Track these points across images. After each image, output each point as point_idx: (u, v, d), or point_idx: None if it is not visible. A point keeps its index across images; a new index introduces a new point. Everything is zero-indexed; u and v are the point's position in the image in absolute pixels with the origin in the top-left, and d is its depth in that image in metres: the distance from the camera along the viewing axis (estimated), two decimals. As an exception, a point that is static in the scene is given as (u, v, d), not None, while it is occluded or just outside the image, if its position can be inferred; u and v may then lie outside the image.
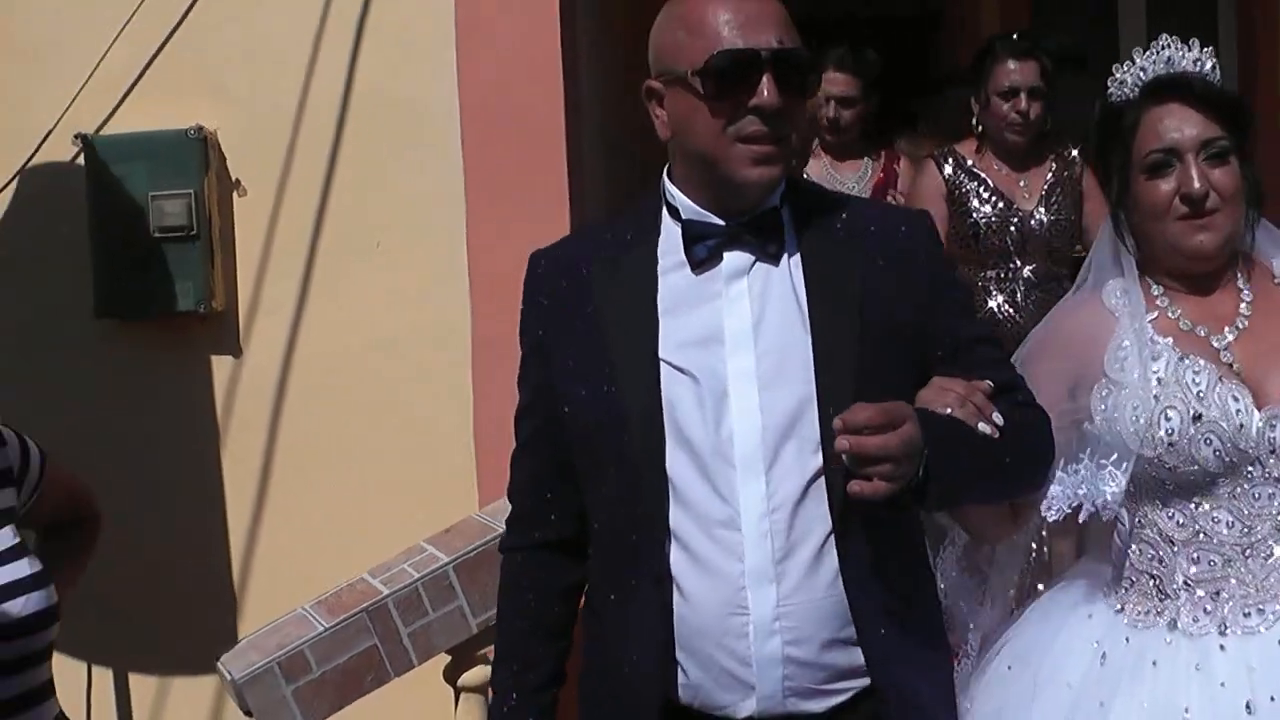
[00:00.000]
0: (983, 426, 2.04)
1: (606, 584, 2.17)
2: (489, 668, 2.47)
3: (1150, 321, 2.40)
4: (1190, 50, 2.43)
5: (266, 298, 3.82)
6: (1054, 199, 4.97)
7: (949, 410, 2.02)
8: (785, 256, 2.10)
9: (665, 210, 2.16)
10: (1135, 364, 2.35)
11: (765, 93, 1.97)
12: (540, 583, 2.28)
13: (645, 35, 2.16)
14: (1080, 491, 2.36)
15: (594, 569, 2.22)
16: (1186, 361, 2.33)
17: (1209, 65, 2.43)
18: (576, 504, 2.21)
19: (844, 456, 1.85)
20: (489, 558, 2.94)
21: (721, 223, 2.10)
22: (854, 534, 2.03)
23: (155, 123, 3.73)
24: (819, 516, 2.03)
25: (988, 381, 2.10)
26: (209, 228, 3.73)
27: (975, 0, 8.64)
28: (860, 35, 5.97)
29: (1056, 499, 2.38)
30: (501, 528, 2.41)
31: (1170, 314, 2.43)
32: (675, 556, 2.05)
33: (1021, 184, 4.98)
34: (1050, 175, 4.98)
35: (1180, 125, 2.37)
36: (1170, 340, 2.38)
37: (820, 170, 5.76)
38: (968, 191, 4.96)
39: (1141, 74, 2.45)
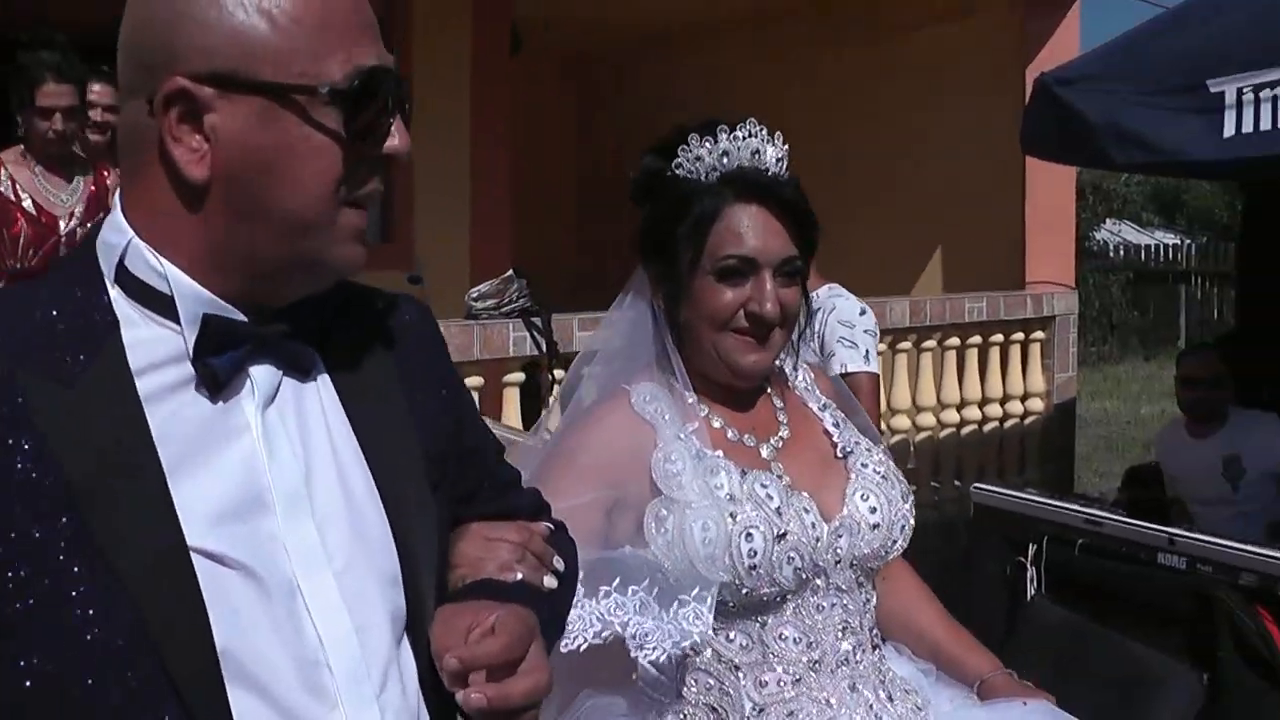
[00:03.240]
0: (547, 581, 1.64)
1: None
2: None
3: (692, 432, 2.20)
4: (775, 146, 2.23)
5: None
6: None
7: (518, 575, 1.58)
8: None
9: (125, 295, 1.36)
10: (692, 480, 2.13)
11: (399, 136, 1.40)
12: None
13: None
14: (667, 632, 2.00)
15: None
16: (750, 475, 2.15)
17: (785, 165, 2.25)
18: None
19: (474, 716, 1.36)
20: None
21: (243, 318, 1.38)
22: None
23: None
24: None
25: (545, 524, 1.73)
26: None
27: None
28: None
29: (651, 637, 1.98)
30: None
31: (714, 423, 2.26)
32: None
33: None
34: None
35: (764, 235, 2.19)
36: (721, 453, 2.19)
37: (31, 182, 5.54)
38: None
39: (723, 159, 2.19)
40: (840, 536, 2.18)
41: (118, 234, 1.37)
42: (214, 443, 1.35)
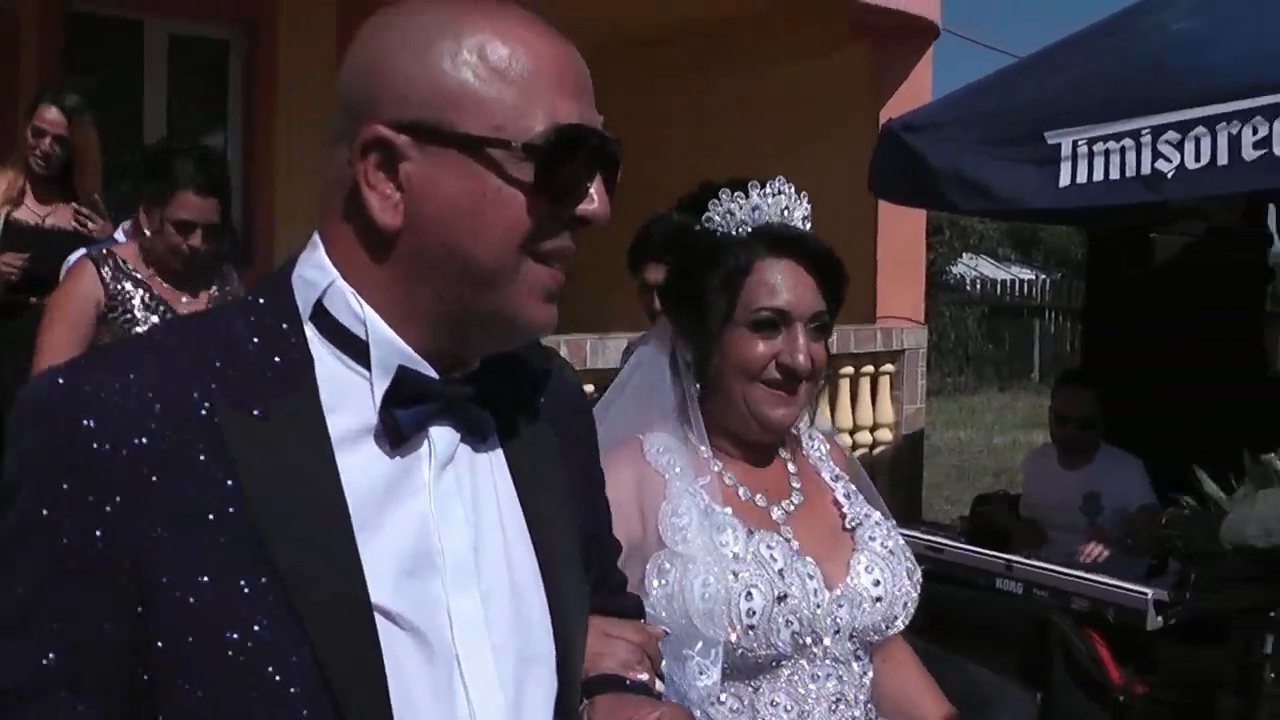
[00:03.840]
0: (659, 685, 1.66)
1: None
2: None
3: (703, 486, 2.18)
4: (802, 204, 2.27)
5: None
6: None
7: (642, 676, 1.62)
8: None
9: (319, 335, 1.33)
10: (698, 535, 2.10)
11: (597, 199, 1.35)
12: None
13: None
14: (675, 687, 2.04)
15: None
16: (758, 535, 2.14)
17: (810, 222, 2.28)
18: None
19: None
20: None
21: (435, 376, 1.36)
22: None
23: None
24: None
25: (662, 628, 1.78)
26: None
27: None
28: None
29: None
30: None
31: (726, 479, 2.23)
32: None
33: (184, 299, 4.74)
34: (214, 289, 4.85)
35: (796, 289, 2.20)
36: (730, 510, 2.17)
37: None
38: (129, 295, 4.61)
39: (754, 213, 2.22)
40: (841, 606, 2.15)
41: (320, 272, 1.35)
42: (392, 497, 1.32)
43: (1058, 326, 23.31)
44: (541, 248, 1.34)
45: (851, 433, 8.27)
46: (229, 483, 1.22)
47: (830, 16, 8.95)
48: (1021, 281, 26.02)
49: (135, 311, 4.57)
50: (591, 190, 1.35)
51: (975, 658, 3.92)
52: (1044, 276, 26.67)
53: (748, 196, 2.23)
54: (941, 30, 9.32)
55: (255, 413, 1.26)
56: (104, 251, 4.65)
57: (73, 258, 4.89)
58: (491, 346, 1.41)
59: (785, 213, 2.24)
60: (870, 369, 8.41)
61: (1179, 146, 4.44)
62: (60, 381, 1.23)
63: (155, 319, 4.57)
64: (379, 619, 1.26)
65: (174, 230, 4.50)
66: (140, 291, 4.59)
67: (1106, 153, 4.63)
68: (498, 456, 1.44)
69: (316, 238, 1.38)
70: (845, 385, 8.20)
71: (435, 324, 1.34)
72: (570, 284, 1.38)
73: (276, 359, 1.30)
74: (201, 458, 1.22)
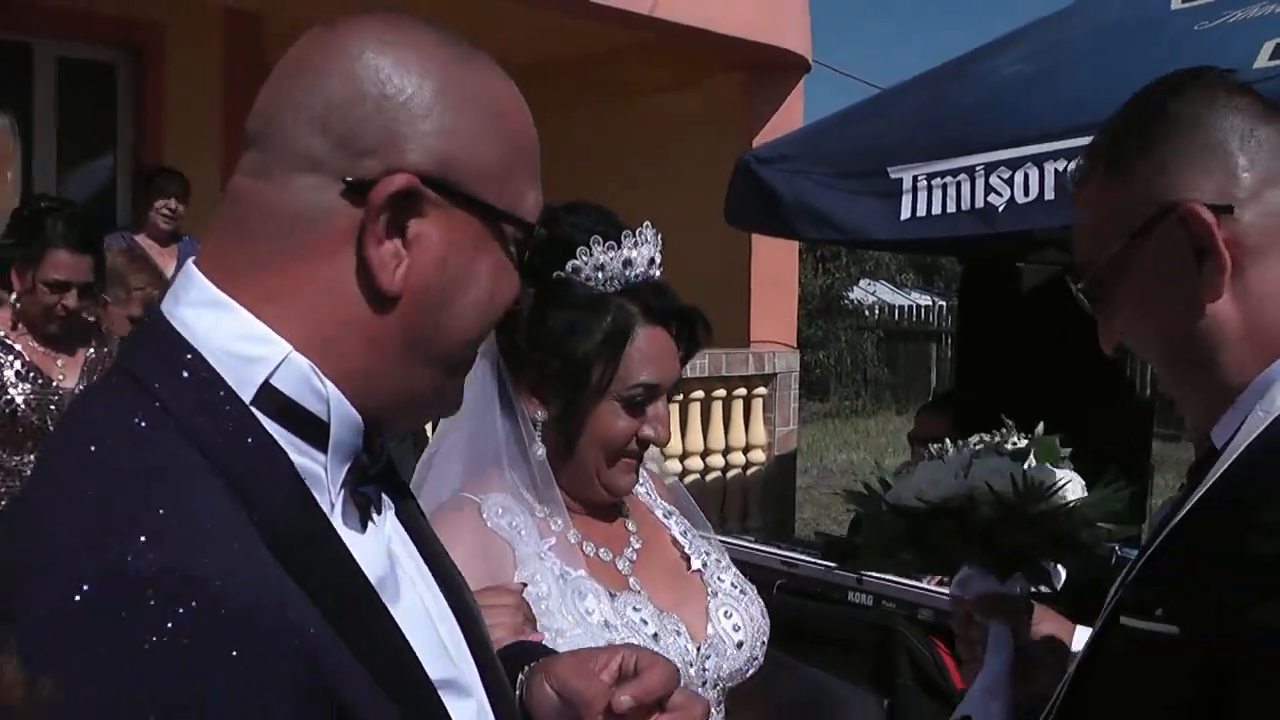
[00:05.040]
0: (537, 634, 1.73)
1: None
2: None
3: (551, 549, 2.05)
4: (660, 250, 2.14)
5: None
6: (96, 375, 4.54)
7: (541, 635, 1.71)
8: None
9: (267, 418, 1.12)
10: (560, 605, 1.97)
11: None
12: None
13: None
14: None
15: None
16: (620, 598, 2.03)
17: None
18: None
19: None
20: None
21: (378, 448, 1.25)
22: None
23: None
24: None
25: (519, 581, 1.83)
26: None
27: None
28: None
29: None
30: None
31: (570, 538, 2.10)
32: None
33: (59, 362, 4.62)
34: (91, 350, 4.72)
35: (666, 360, 2.10)
36: (584, 572, 2.04)
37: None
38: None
39: (627, 269, 2.07)
40: (709, 658, 2.08)
41: (259, 344, 1.12)
42: (386, 582, 1.19)
43: (953, 350, 23.66)
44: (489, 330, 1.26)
45: (724, 453, 8.41)
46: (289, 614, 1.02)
47: (705, 49, 9.14)
48: (920, 307, 26.37)
49: (6, 385, 4.43)
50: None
51: (827, 666, 4.08)
52: (942, 302, 27.05)
53: (619, 247, 2.06)
54: (812, 64, 9.58)
55: (273, 531, 1.07)
56: None
57: None
58: (419, 422, 1.33)
59: (652, 264, 2.11)
60: (743, 391, 8.55)
61: (1009, 182, 4.65)
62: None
63: (28, 388, 4.45)
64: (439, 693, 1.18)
65: (47, 290, 4.42)
66: (11, 359, 4.47)
67: (944, 187, 4.85)
68: (399, 522, 1.33)
69: (218, 293, 1.14)
70: (718, 407, 8.34)
71: (389, 401, 1.20)
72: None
73: (255, 462, 1.09)
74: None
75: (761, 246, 8.83)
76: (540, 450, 2.11)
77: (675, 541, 2.26)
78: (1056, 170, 4.53)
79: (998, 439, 2.40)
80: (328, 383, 1.14)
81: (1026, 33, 5.62)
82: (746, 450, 8.60)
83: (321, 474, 1.15)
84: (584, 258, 2.06)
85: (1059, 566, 2.24)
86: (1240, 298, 1.45)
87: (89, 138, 9.17)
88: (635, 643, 1.91)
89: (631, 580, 2.11)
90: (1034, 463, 2.32)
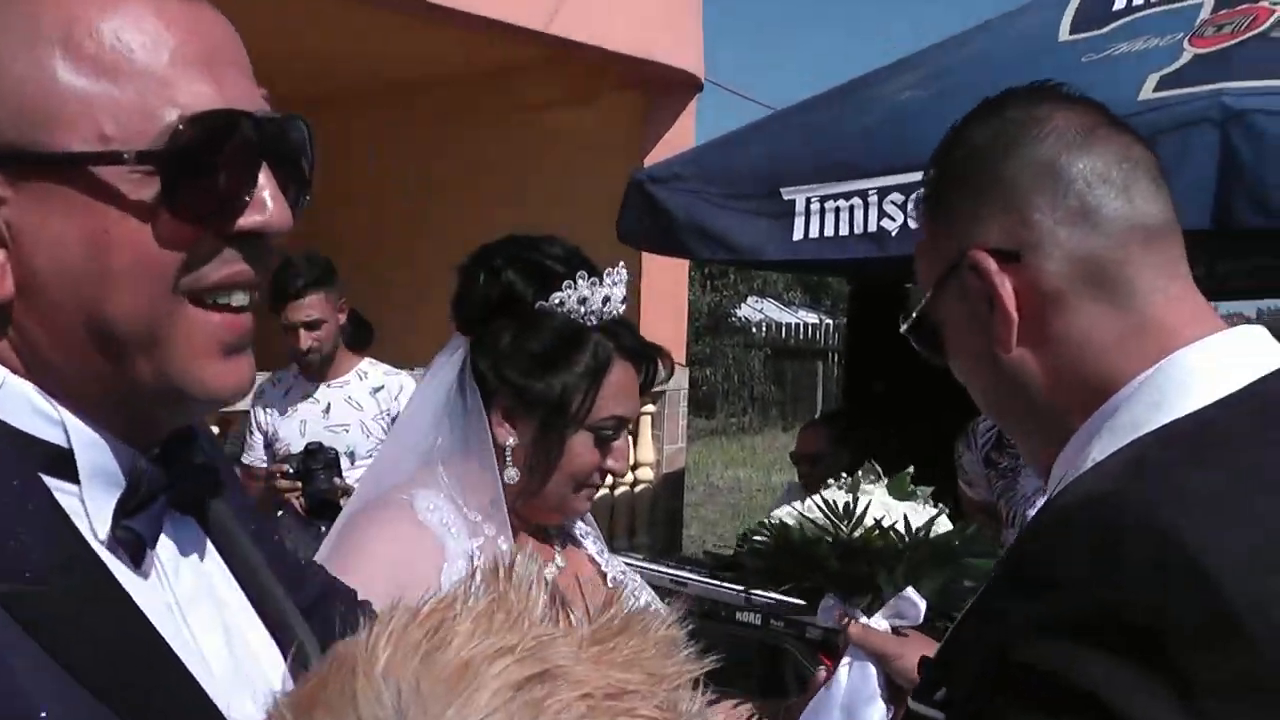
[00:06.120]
0: None
1: None
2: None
3: (478, 548, 2.07)
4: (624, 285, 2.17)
5: None
6: None
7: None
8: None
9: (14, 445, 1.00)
10: None
11: (270, 203, 1.04)
12: None
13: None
14: None
15: None
16: None
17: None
18: None
19: None
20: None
21: (147, 465, 1.07)
22: None
23: None
24: None
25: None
26: None
27: None
28: None
29: None
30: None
31: (501, 543, 2.10)
32: None
33: None
34: None
35: (633, 395, 2.15)
36: None
37: None
38: None
39: (606, 304, 2.10)
40: None
41: None
42: (171, 625, 1.06)
43: (840, 369, 23.91)
44: (200, 284, 1.03)
45: (612, 471, 8.38)
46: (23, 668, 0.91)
47: (597, 67, 9.16)
48: (807, 325, 26.64)
49: None
50: (261, 193, 1.03)
51: (719, 684, 4.14)
52: (829, 321, 27.35)
53: (600, 283, 2.09)
54: (705, 83, 9.66)
55: (29, 580, 0.94)
56: None
57: None
58: (173, 420, 1.11)
59: (623, 302, 2.15)
60: (630, 409, 8.53)
61: (902, 207, 4.69)
62: None
63: None
64: None
65: None
66: None
67: (837, 210, 4.88)
68: (200, 534, 1.18)
69: None
70: (607, 424, 8.31)
71: (110, 406, 1.04)
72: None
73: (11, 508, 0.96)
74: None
75: (652, 264, 8.86)
76: (513, 474, 2.11)
77: (592, 559, 2.30)
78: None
79: (859, 476, 2.46)
80: (60, 407, 1.02)
81: (920, 58, 5.68)
82: (634, 468, 8.60)
83: (79, 508, 1.01)
84: (568, 290, 2.07)
85: (917, 599, 2.26)
86: (1044, 349, 1.33)
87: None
88: None
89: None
90: (884, 496, 2.38)
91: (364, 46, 9.50)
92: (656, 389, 8.71)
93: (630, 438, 2.15)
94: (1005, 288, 1.31)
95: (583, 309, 2.08)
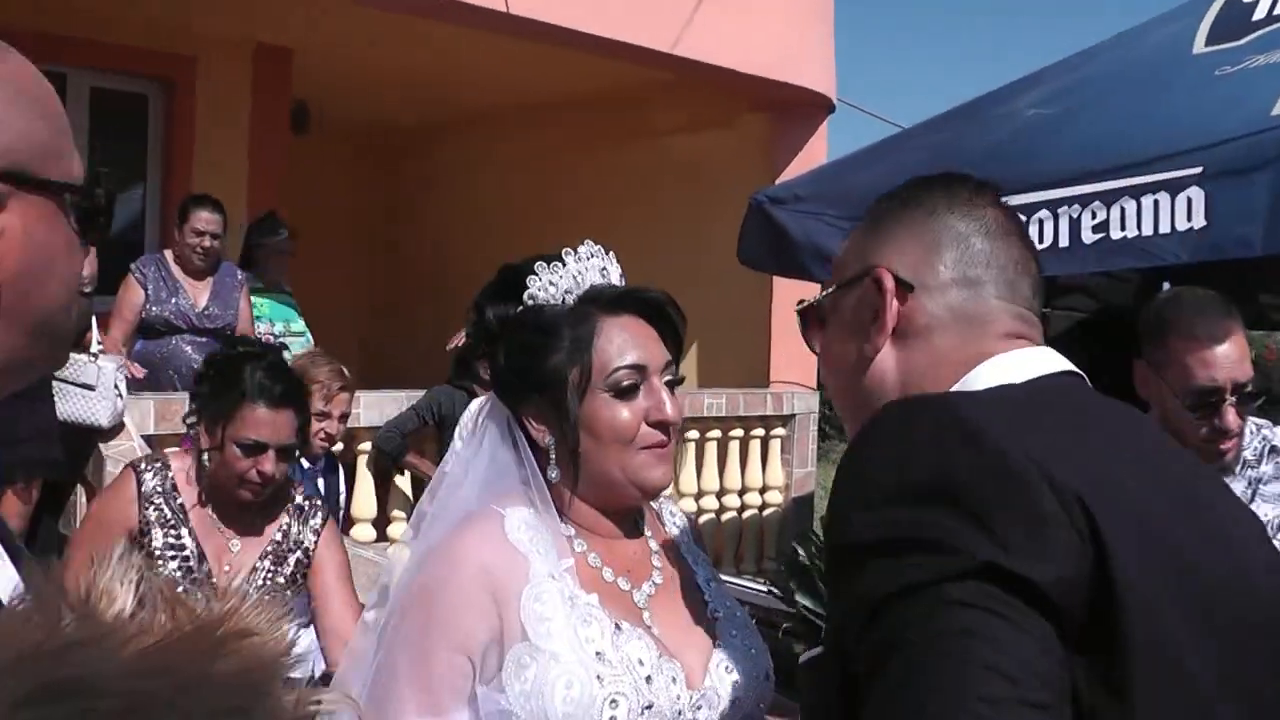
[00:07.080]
0: None
1: None
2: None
3: (567, 570, 2.01)
4: (615, 264, 2.17)
5: None
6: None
7: None
8: None
9: None
10: (564, 628, 1.93)
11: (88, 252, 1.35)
12: None
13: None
14: None
15: None
16: (624, 632, 1.98)
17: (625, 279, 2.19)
18: None
19: None
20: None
21: None
22: None
23: None
24: None
25: None
26: None
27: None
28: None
29: None
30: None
31: (590, 561, 2.06)
32: None
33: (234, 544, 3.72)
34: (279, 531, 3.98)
35: (645, 344, 2.10)
36: (597, 598, 2.00)
37: None
38: None
39: (577, 280, 2.11)
40: (700, 709, 2.01)
41: None
42: None
43: (981, 392, 23.52)
44: (83, 289, 1.32)
45: (740, 494, 8.36)
46: None
47: (729, 90, 9.12)
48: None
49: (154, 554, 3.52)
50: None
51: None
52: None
53: (565, 264, 2.11)
54: (836, 103, 9.55)
55: None
56: (156, 460, 3.70)
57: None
58: (13, 388, 1.30)
59: (604, 274, 2.14)
60: (760, 432, 8.50)
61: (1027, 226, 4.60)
62: None
63: (178, 574, 3.51)
64: None
65: (240, 454, 3.53)
66: (173, 530, 3.57)
67: (943, 232, 4.79)
68: None
69: None
70: (735, 447, 8.28)
71: None
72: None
73: None
74: None
75: (782, 287, 8.79)
76: (555, 473, 2.10)
77: (698, 585, 2.22)
78: (1070, 217, 4.46)
79: None
80: None
81: (1046, 74, 5.54)
82: (763, 491, 8.55)
83: None
84: (533, 284, 2.11)
85: None
86: (900, 363, 1.61)
87: (120, 167, 9.26)
88: (626, 680, 1.92)
89: (645, 615, 2.06)
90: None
91: (491, 72, 9.61)
92: (786, 413, 8.78)
93: (678, 397, 2.11)
94: (891, 307, 1.60)
95: (555, 290, 2.11)
